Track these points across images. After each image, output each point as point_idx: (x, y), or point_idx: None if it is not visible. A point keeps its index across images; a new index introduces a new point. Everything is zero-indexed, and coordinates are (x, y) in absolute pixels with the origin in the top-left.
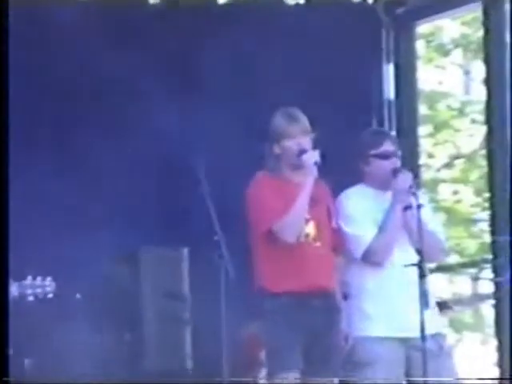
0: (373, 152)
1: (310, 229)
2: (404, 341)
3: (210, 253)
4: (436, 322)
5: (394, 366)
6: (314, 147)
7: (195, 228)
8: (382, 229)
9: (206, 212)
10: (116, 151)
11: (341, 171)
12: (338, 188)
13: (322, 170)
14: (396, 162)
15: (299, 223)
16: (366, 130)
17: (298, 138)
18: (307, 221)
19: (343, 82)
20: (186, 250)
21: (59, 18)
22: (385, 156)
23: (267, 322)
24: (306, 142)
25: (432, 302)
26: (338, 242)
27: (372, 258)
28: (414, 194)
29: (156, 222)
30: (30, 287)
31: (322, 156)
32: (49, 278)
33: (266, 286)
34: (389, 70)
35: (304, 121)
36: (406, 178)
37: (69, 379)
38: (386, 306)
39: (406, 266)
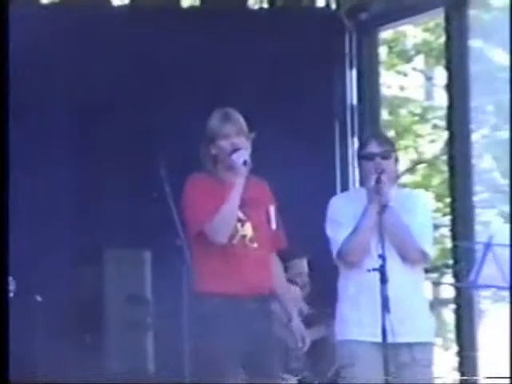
0: (360, 153)
1: (247, 230)
2: (383, 346)
3: (173, 256)
4: (423, 330)
5: (374, 370)
6: (254, 148)
7: (158, 231)
8: (355, 228)
9: (169, 216)
10: (79, 154)
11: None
12: (290, 187)
13: (273, 172)
14: (380, 163)
15: (229, 224)
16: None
17: (232, 138)
18: (244, 222)
19: (307, 86)
20: (148, 253)
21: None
22: (368, 157)
23: (203, 325)
24: (241, 142)
25: (425, 308)
26: (279, 244)
27: (345, 258)
28: (378, 194)
29: (119, 224)
30: None
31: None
32: (10, 278)
33: (202, 288)
34: (352, 75)
35: (239, 121)
36: (372, 178)
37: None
38: (365, 310)
39: (368, 270)
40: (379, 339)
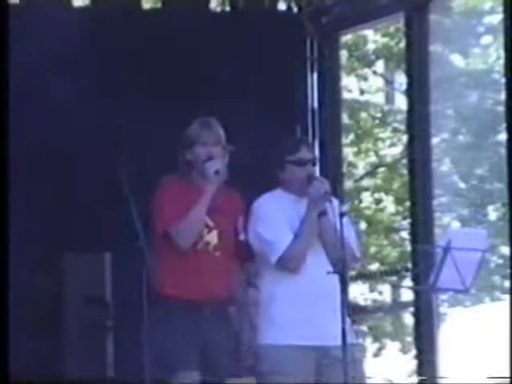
0: (288, 158)
1: (212, 238)
2: (314, 349)
3: (133, 258)
4: (349, 331)
5: (303, 375)
6: (230, 160)
7: (118, 233)
8: (297, 235)
9: (130, 217)
10: (37, 156)
11: (263, 180)
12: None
13: (245, 179)
14: (311, 169)
15: (194, 230)
16: (283, 137)
17: (209, 147)
18: (210, 229)
19: (268, 90)
20: (108, 255)
21: None
22: (300, 163)
23: (158, 326)
24: (216, 151)
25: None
26: (244, 255)
27: (287, 265)
28: (330, 201)
29: (78, 226)
30: None
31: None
32: None
33: (161, 290)
34: (313, 79)
35: (218, 130)
36: (320, 185)
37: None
38: (297, 314)
39: (328, 273)
40: (315, 343)
